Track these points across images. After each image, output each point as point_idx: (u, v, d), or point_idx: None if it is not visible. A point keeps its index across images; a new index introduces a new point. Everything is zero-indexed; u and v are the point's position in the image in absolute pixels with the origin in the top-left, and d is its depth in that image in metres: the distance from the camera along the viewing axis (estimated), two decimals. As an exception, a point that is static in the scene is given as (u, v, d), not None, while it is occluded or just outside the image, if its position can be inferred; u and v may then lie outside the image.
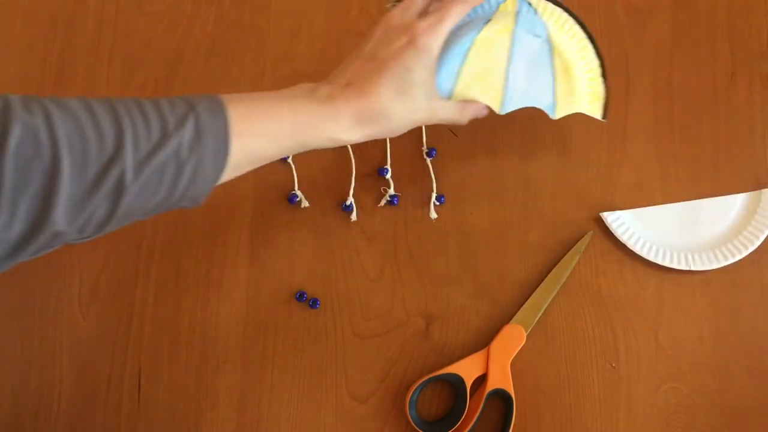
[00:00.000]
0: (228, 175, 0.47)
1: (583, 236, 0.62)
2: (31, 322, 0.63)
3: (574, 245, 0.62)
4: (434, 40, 0.50)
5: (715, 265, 0.61)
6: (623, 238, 0.61)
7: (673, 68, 0.66)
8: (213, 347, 0.62)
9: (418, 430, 0.58)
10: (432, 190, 0.63)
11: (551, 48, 0.56)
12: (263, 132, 0.47)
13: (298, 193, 0.63)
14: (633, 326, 0.61)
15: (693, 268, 0.61)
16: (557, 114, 0.57)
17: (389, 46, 0.50)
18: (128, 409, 0.61)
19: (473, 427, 0.58)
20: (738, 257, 0.61)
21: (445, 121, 0.54)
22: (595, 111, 0.58)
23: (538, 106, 0.56)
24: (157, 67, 0.67)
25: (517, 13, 0.55)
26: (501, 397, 0.59)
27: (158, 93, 0.66)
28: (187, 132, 0.43)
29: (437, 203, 0.63)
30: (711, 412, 0.60)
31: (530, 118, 0.65)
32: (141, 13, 0.68)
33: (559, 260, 0.61)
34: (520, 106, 0.55)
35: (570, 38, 0.56)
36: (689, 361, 0.60)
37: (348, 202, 0.63)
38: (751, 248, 0.61)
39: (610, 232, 0.62)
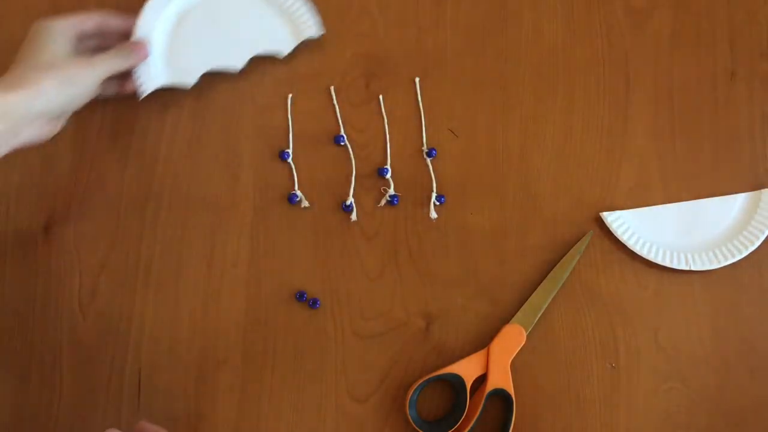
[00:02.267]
0: None
1: (583, 236, 0.62)
2: (31, 322, 0.63)
3: (574, 245, 0.62)
4: None
5: (715, 265, 0.61)
6: (623, 238, 0.61)
7: (673, 68, 0.66)
8: (213, 347, 0.62)
9: (418, 430, 0.58)
10: (432, 190, 0.63)
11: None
12: None
13: (298, 193, 0.63)
14: (633, 326, 0.61)
15: (693, 268, 0.61)
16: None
17: (27, 40, 0.58)
18: (128, 409, 0.61)
19: (473, 427, 0.58)
20: (738, 257, 0.61)
21: (106, 72, 0.59)
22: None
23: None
24: (157, 67, 0.67)
25: None
26: (501, 397, 0.59)
27: (159, 91, 0.66)
28: None
29: (437, 203, 0.63)
30: (711, 412, 0.60)
31: (530, 117, 0.65)
32: (141, 13, 0.68)
33: (559, 260, 0.61)
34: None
35: None
36: (689, 361, 0.60)
37: (348, 202, 0.63)
38: (751, 248, 0.61)
39: (610, 232, 0.62)
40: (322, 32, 0.65)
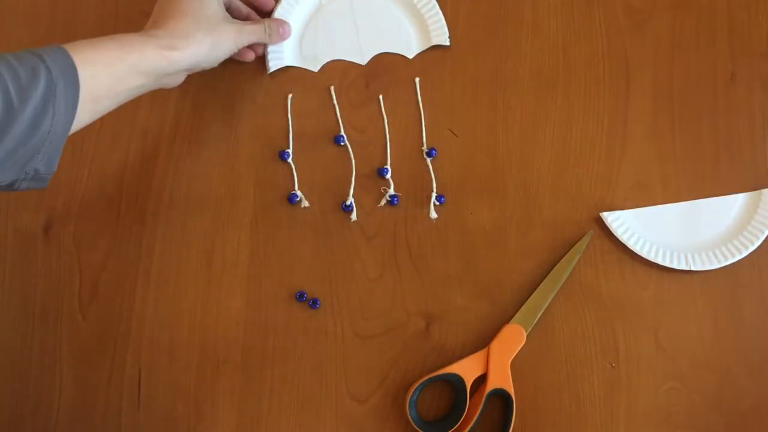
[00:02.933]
0: (87, 110, 0.50)
1: (583, 236, 0.62)
2: (31, 322, 0.63)
3: (574, 245, 0.62)
4: None
5: (715, 265, 0.61)
6: (623, 238, 0.61)
7: (673, 68, 0.66)
8: (213, 347, 0.62)
9: (418, 430, 0.58)
10: (432, 190, 0.63)
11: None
12: (91, 59, 0.50)
13: (298, 193, 0.63)
14: (633, 326, 0.61)
15: (693, 268, 0.61)
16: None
17: None
18: (128, 409, 0.61)
19: (473, 427, 0.58)
20: (738, 257, 0.61)
21: (248, 42, 0.62)
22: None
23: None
24: (157, 67, 0.67)
25: None
26: (501, 397, 0.59)
27: (158, 91, 0.67)
28: (42, 76, 0.47)
29: (437, 203, 0.63)
30: (711, 412, 0.60)
31: (530, 117, 0.65)
32: (141, 13, 0.68)
33: (559, 260, 0.61)
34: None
35: None
36: (689, 361, 0.60)
37: (348, 202, 0.63)
38: (751, 248, 0.61)
39: (610, 232, 0.62)
40: (449, 42, 0.66)
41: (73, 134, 0.65)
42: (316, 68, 0.66)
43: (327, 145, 0.65)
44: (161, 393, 0.61)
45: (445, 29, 0.66)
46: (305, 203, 0.63)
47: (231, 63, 0.67)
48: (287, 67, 0.66)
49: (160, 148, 0.65)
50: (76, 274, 0.63)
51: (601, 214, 0.62)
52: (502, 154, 0.64)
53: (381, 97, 0.65)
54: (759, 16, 0.66)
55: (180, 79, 0.60)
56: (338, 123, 0.65)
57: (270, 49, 0.65)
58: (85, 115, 0.51)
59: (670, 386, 0.60)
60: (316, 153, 0.65)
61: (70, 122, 0.49)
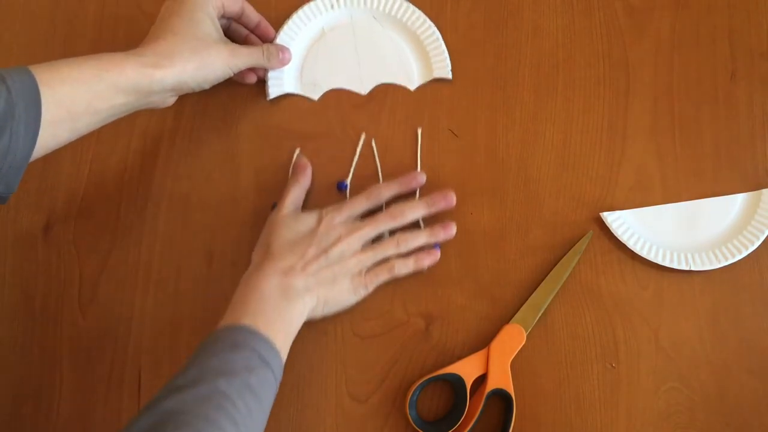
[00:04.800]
0: (49, 133, 0.50)
1: (583, 236, 0.62)
2: (31, 322, 0.63)
3: (574, 245, 0.62)
4: None
5: (715, 265, 0.61)
6: (623, 238, 0.61)
7: (673, 68, 0.66)
8: (213, 347, 0.62)
9: (418, 430, 0.58)
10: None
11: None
12: (69, 78, 0.50)
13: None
14: (633, 326, 0.61)
15: (693, 268, 0.61)
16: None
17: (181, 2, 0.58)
18: (128, 409, 0.61)
19: (473, 427, 0.58)
20: (738, 257, 0.61)
21: (244, 65, 0.61)
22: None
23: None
24: (157, 67, 0.67)
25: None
26: (501, 397, 0.59)
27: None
28: (1, 98, 0.47)
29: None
30: (711, 412, 0.60)
31: (530, 117, 0.65)
32: (141, 13, 0.68)
33: (559, 260, 0.61)
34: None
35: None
36: (689, 361, 0.60)
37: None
38: (751, 248, 0.61)
39: (610, 232, 0.62)
40: (451, 76, 0.65)
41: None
42: (316, 96, 0.66)
43: (329, 137, 0.65)
44: (161, 393, 0.61)
45: (448, 62, 0.65)
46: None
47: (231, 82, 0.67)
48: (287, 94, 0.66)
49: (160, 148, 0.65)
50: (76, 274, 0.63)
51: (601, 214, 0.62)
52: (502, 154, 0.64)
53: (373, 141, 0.65)
54: (759, 16, 0.66)
55: (169, 99, 0.59)
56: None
57: (270, 75, 0.65)
58: (64, 132, 0.51)
59: (670, 386, 0.60)
60: (316, 152, 0.65)
61: (31, 145, 0.49)
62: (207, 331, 0.62)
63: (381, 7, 0.66)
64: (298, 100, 0.66)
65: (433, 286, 0.62)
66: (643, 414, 0.59)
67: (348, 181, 0.64)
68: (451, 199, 0.60)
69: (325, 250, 0.57)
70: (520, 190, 0.64)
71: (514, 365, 0.59)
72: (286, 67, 0.65)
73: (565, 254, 0.62)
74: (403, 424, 0.60)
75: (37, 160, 0.65)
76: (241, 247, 0.63)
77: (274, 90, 0.65)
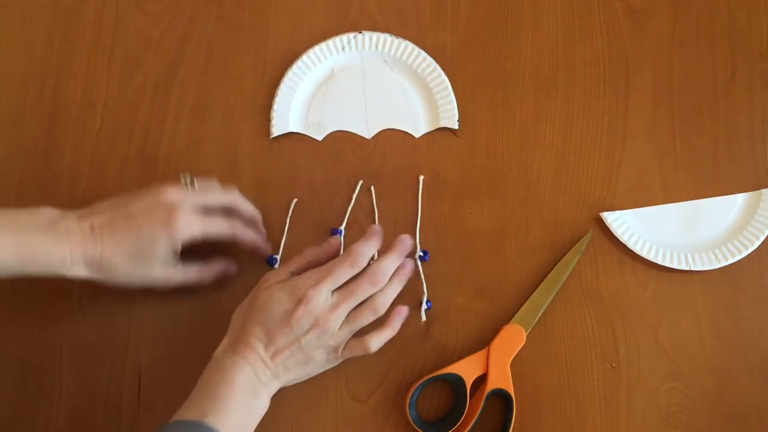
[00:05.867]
0: None
1: (583, 236, 0.62)
2: (31, 322, 0.63)
3: (574, 245, 0.62)
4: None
5: (715, 265, 0.61)
6: (623, 238, 0.61)
7: (673, 68, 0.66)
8: (213, 347, 0.62)
9: (418, 430, 0.58)
10: (423, 293, 0.61)
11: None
12: None
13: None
14: (633, 326, 0.61)
15: (693, 268, 0.61)
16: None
17: (151, 214, 0.54)
18: (128, 409, 0.61)
19: (473, 427, 0.58)
20: (738, 257, 0.61)
21: (180, 282, 0.58)
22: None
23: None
24: (157, 68, 0.67)
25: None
26: (501, 397, 0.59)
27: (158, 93, 0.66)
28: None
29: (426, 307, 0.61)
30: (711, 412, 0.60)
31: (530, 117, 0.65)
32: (141, 13, 0.68)
33: (559, 260, 0.61)
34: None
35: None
36: (689, 361, 0.60)
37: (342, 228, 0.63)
38: (751, 248, 0.61)
39: (610, 232, 0.62)
40: (458, 126, 0.65)
41: (73, 134, 0.65)
42: (320, 137, 0.65)
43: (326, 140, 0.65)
44: (161, 393, 0.61)
45: (456, 113, 0.64)
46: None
47: (228, 62, 0.67)
48: (290, 133, 0.66)
49: (161, 148, 0.65)
50: (76, 274, 0.63)
51: (601, 214, 0.62)
52: (502, 154, 0.64)
53: (372, 188, 0.64)
54: (759, 16, 0.66)
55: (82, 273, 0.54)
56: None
57: (275, 113, 0.64)
58: None
59: (670, 386, 0.60)
60: (315, 152, 0.65)
61: None
62: (207, 331, 0.62)
63: (392, 52, 0.66)
64: (300, 138, 0.66)
65: (433, 286, 0.62)
66: (643, 414, 0.59)
67: (342, 227, 0.63)
68: (409, 244, 0.57)
69: (297, 339, 0.53)
70: (520, 190, 0.64)
71: (514, 365, 0.59)
72: (291, 106, 0.65)
73: (565, 254, 0.62)
74: (403, 424, 0.60)
75: (38, 160, 0.65)
76: (240, 246, 0.63)
77: (277, 129, 0.65)
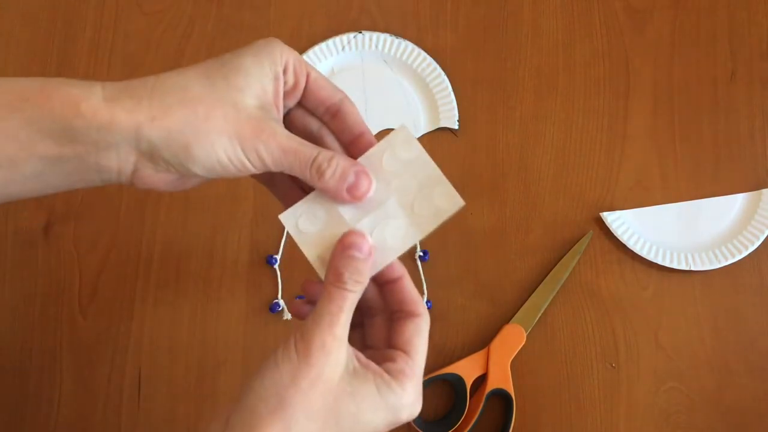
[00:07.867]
0: None
1: (583, 236, 0.62)
2: (31, 322, 0.63)
3: (574, 245, 0.62)
4: None
5: (715, 265, 0.61)
6: (623, 238, 0.61)
7: (673, 68, 0.66)
8: (213, 347, 0.62)
9: (418, 430, 0.58)
10: (423, 294, 0.61)
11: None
12: None
13: (281, 302, 0.62)
14: (633, 326, 0.61)
15: (693, 268, 0.61)
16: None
17: None
18: (128, 409, 0.61)
19: (473, 427, 0.58)
20: (738, 257, 0.61)
21: (273, 163, 0.40)
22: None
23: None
24: (157, 67, 0.67)
25: None
26: (501, 397, 0.59)
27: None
28: None
29: (426, 307, 0.60)
30: (711, 412, 0.60)
31: (530, 117, 0.65)
32: (141, 13, 0.68)
33: (559, 260, 0.61)
34: None
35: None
36: (689, 361, 0.60)
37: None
38: (751, 248, 0.61)
39: (610, 232, 0.62)
40: (458, 126, 0.65)
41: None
42: None
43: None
44: (161, 393, 0.61)
45: (456, 113, 0.64)
46: (287, 315, 0.62)
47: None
48: None
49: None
50: (76, 274, 0.63)
51: (601, 214, 0.62)
52: (502, 154, 0.64)
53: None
54: (759, 16, 0.66)
55: (127, 167, 0.36)
56: None
57: None
58: None
59: (670, 386, 0.60)
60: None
61: None
62: (207, 331, 0.62)
63: (392, 52, 0.66)
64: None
65: (433, 286, 0.62)
66: (643, 414, 0.59)
67: None
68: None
69: None
70: (520, 190, 0.64)
71: (514, 365, 0.59)
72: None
73: (565, 254, 0.62)
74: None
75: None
76: (241, 246, 0.63)
77: None
